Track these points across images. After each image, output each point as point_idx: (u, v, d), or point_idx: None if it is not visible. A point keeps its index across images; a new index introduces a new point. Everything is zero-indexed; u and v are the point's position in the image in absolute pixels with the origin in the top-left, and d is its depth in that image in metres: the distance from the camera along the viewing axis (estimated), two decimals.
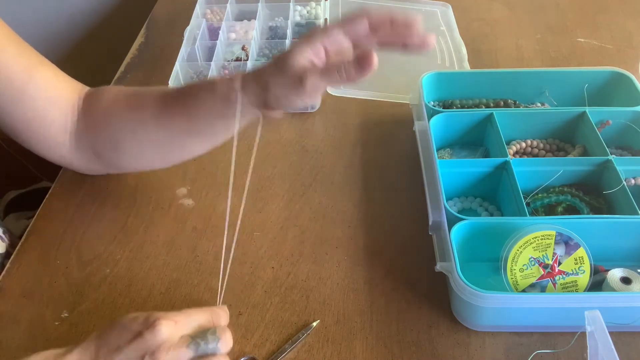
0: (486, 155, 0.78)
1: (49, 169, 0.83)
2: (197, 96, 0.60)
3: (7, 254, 0.70)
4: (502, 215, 0.71)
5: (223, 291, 0.56)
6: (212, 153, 0.79)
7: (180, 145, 0.65)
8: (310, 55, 0.52)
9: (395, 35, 0.51)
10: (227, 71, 0.92)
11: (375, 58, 0.49)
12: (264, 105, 0.55)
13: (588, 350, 0.49)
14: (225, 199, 0.74)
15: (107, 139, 0.66)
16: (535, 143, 0.77)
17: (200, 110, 0.60)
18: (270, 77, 0.53)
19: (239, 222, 0.59)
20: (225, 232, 0.58)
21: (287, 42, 0.96)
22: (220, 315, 0.51)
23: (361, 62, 0.49)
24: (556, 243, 0.59)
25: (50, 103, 0.65)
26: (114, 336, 0.47)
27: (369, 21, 0.51)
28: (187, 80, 0.91)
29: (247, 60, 0.92)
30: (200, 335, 0.48)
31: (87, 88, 0.69)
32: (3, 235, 0.71)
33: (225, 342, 0.48)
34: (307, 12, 1.07)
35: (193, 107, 0.60)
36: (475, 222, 0.62)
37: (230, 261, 0.58)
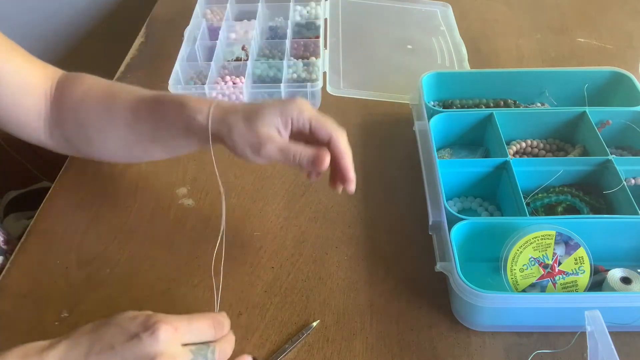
0: (486, 155, 0.78)
1: (49, 169, 0.83)
2: (166, 110, 0.62)
3: (4, 252, 0.70)
4: (502, 215, 0.71)
5: (219, 298, 0.58)
6: (213, 153, 0.78)
7: (145, 148, 0.67)
8: (278, 124, 0.56)
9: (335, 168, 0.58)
10: (227, 70, 0.92)
11: (327, 162, 0.55)
12: (222, 142, 0.59)
13: (588, 350, 0.49)
14: (225, 198, 0.74)
15: (77, 130, 0.67)
16: (535, 143, 0.77)
17: (166, 124, 0.62)
18: (237, 125, 0.57)
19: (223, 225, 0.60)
20: (221, 240, 0.58)
21: (287, 42, 0.96)
22: (223, 324, 0.49)
23: (315, 159, 0.55)
24: (556, 243, 0.59)
25: (24, 89, 0.65)
26: (110, 334, 0.45)
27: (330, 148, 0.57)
28: (187, 80, 0.91)
29: (247, 60, 0.91)
30: (201, 352, 0.46)
31: (60, 72, 0.69)
32: None
33: None
34: (307, 12, 1.07)
35: (160, 120, 0.62)
36: (475, 222, 0.62)
37: (222, 268, 0.60)
